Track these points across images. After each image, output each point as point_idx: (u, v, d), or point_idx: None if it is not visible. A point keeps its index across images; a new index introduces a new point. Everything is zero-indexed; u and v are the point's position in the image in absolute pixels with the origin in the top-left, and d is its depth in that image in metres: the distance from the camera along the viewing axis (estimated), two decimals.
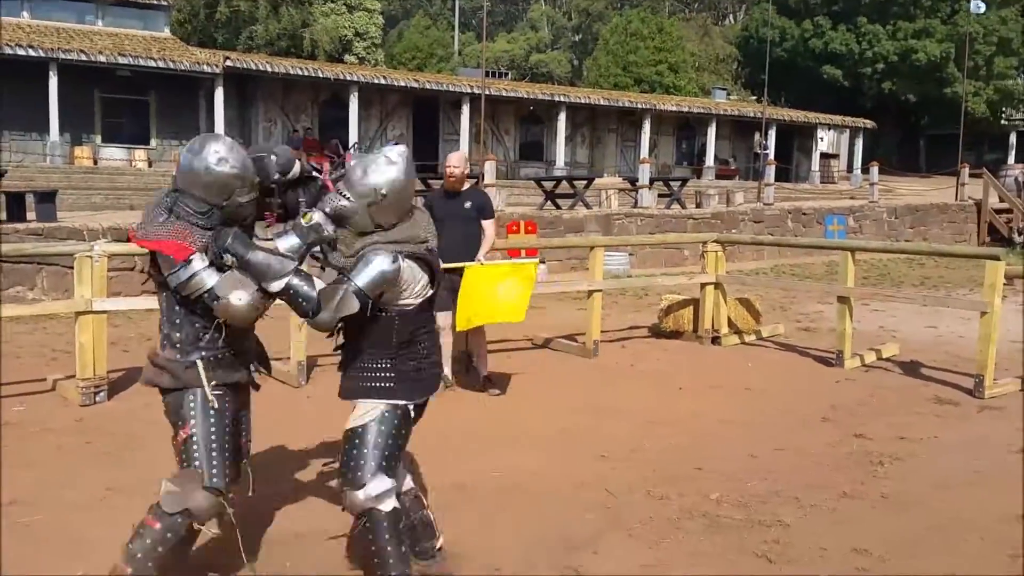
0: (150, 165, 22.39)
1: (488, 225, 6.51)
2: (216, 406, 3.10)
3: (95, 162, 21.62)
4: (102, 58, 20.91)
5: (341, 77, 24.34)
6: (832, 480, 4.68)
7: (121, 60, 21.20)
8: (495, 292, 6.38)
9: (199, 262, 2.97)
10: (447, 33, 45.05)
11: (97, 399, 5.97)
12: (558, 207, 17.04)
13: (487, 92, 22.39)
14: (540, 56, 47.13)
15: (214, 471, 3.05)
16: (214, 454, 3.07)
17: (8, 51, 19.44)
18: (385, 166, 3.02)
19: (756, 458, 5.04)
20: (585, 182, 18.28)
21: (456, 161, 6.48)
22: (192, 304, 3.06)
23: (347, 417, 3.21)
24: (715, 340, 8.37)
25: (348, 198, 3.01)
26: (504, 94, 27.19)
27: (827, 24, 36.09)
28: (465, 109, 26.13)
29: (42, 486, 4.40)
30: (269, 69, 23.38)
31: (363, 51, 33.87)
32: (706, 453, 5.14)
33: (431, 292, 3.19)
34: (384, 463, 3.10)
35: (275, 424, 5.58)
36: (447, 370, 6.37)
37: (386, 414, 3.12)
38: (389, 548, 3.06)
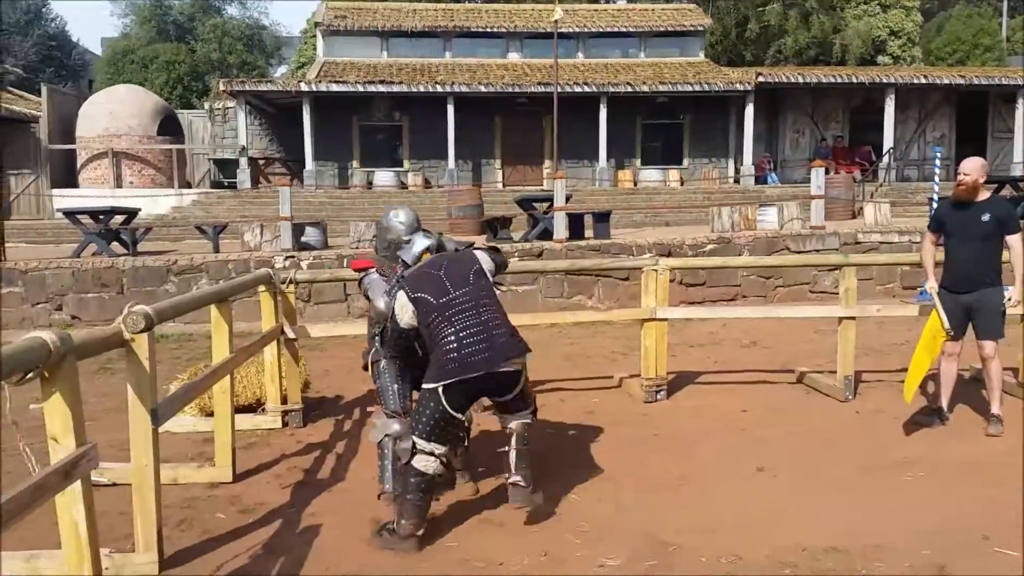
0: (682, 183, 23.80)
1: (1015, 241, 5.47)
2: (385, 369, 4.65)
3: (635, 184, 23.70)
4: (644, 88, 22.87)
5: (876, 80, 23.23)
6: None
7: (661, 88, 22.95)
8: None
9: (374, 274, 4.69)
10: (993, 20, 40.14)
11: (658, 396, 6.59)
12: None
13: None
14: None
15: (390, 402, 4.57)
16: (389, 394, 4.59)
17: (567, 89, 22.30)
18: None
19: None
20: None
21: (969, 167, 5.55)
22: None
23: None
24: None
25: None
26: None
27: None
28: (1020, 103, 23.08)
29: (621, 467, 5.00)
30: (801, 80, 23.28)
31: (898, 49, 31.80)
32: None
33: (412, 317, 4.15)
34: (420, 427, 4.01)
35: (820, 438, 5.62)
36: (944, 402, 5.77)
37: (425, 394, 4.04)
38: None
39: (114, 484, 4.64)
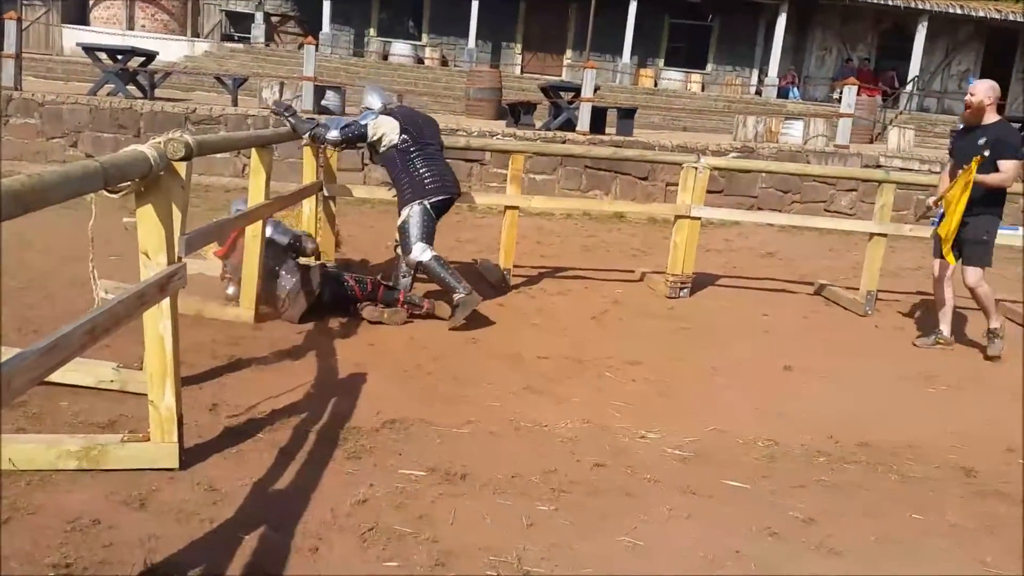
0: (703, 89, 23.43)
1: (1004, 166, 5.23)
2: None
3: (656, 84, 23.31)
4: None
5: (911, 5, 22.69)
6: None
7: None
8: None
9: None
10: None
11: (681, 293, 6.68)
12: None
13: None
14: None
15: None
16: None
17: None
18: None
19: None
20: None
21: (976, 88, 5.36)
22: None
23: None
24: None
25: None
26: None
27: None
28: None
29: (653, 355, 5.13)
30: None
31: None
32: None
33: (399, 140, 5.38)
34: (419, 236, 5.32)
35: (843, 346, 5.77)
36: (943, 327, 5.73)
37: (414, 211, 5.34)
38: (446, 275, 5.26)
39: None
